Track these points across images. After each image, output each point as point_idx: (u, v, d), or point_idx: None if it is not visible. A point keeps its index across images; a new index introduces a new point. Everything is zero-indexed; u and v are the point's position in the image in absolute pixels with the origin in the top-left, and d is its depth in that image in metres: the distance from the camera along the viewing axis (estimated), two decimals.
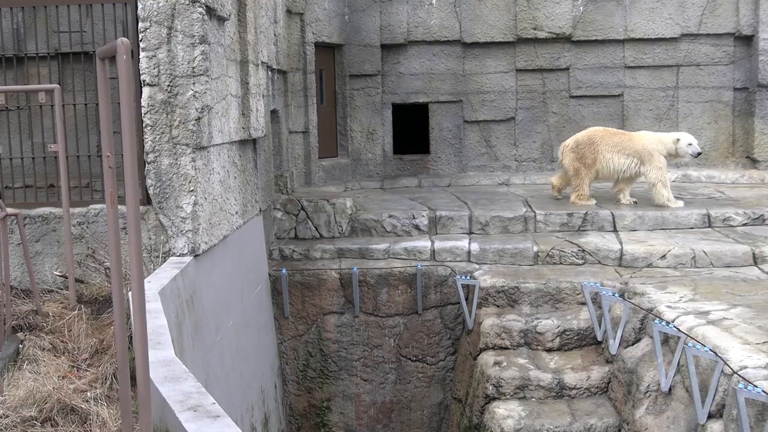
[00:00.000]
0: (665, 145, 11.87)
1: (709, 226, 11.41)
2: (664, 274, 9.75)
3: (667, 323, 7.82)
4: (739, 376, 6.46)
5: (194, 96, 7.17)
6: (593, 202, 12.08)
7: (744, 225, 11.35)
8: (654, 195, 11.89)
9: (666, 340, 7.91)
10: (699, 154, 11.94)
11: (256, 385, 8.92)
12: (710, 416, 6.93)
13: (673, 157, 12.00)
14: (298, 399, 10.31)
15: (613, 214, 11.42)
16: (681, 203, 11.85)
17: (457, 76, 15.12)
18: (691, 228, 11.35)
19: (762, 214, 11.46)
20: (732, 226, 11.37)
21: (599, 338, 9.14)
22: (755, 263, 10.07)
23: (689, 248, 10.25)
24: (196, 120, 7.19)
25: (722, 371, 6.78)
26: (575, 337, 9.24)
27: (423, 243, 10.82)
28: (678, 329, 7.66)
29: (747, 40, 14.85)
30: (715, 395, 6.86)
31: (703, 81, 15.00)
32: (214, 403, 4.13)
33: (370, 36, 14.79)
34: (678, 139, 11.83)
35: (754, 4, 14.59)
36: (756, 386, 6.20)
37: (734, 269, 9.89)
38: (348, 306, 10.26)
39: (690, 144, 11.76)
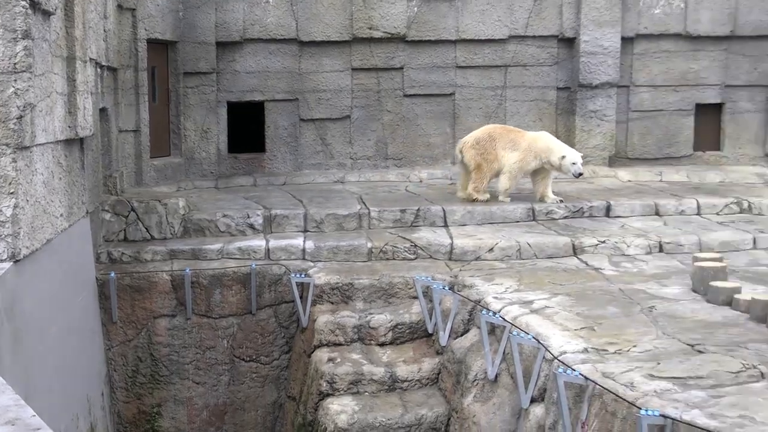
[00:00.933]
0: (550, 153, 12.06)
1: (533, 220, 11.88)
2: (492, 267, 10.08)
3: (494, 314, 8.08)
4: (559, 361, 6.75)
5: (15, 93, 6.79)
6: (487, 196, 12.29)
7: (565, 218, 11.90)
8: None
9: (493, 329, 8.17)
10: (580, 174, 12.09)
11: (81, 394, 8.56)
12: (533, 400, 7.22)
13: (555, 170, 12.24)
14: (126, 406, 9.97)
15: (444, 210, 11.70)
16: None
17: (294, 74, 15.07)
18: (517, 221, 11.79)
19: (581, 207, 12.05)
20: (554, 219, 11.89)
21: (430, 331, 9.33)
22: (575, 254, 10.57)
23: (515, 241, 10.64)
24: (17, 119, 6.81)
25: (544, 357, 7.08)
26: (407, 331, 9.39)
27: (257, 242, 10.72)
28: (504, 319, 7.93)
29: (569, 42, 15.55)
30: (537, 380, 7.15)
31: (529, 81, 15.61)
32: (34, 416, 3.93)
33: (205, 33, 14.50)
34: (564, 156, 11.97)
35: (576, 8, 15.30)
36: (574, 370, 6.49)
37: (556, 260, 10.35)
38: (180, 308, 10.02)
39: (574, 163, 11.95)
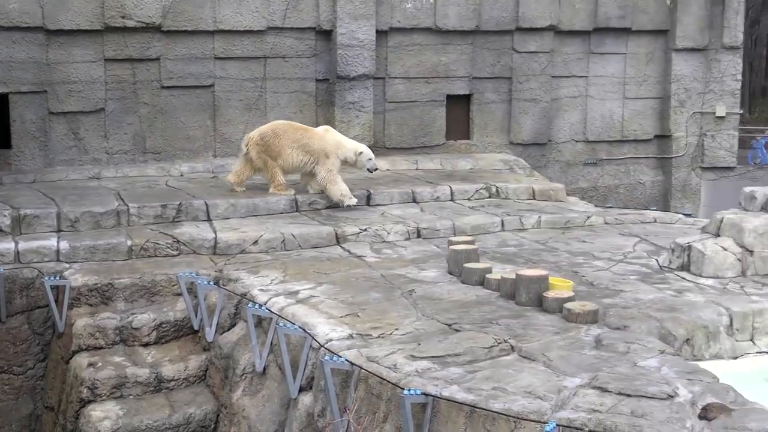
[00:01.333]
0: (346, 151, 12.09)
1: (297, 211, 11.98)
2: (257, 259, 10.06)
3: (260, 306, 8.07)
4: (326, 348, 6.87)
5: None
6: (292, 192, 12.14)
7: (328, 208, 12.09)
8: (328, 194, 12.06)
9: (260, 322, 8.17)
10: (376, 170, 12.39)
11: None
12: (301, 389, 7.29)
13: (350, 166, 12.31)
14: None
15: (206, 204, 11.52)
16: (355, 200, 12.14)
17: (41, 65, 14.18)
18: (281, 213, 11.84)
19: None
20: (318, 209, 12.06)
21: (196, 327, 9.18)
22: (338, 243, 10.79)
23: (279, 232, 10.69)
24: None
25: (311, 346, 7.17)
26: (172, 329, 9.18)
27: (5, 245, 10.02)
28: (270, 311, 7.95)
29: (327, 35, 15.79)
30: (305, 369, 7.23)
31: (289, 73, 15.69)
32: None
33: None
34: (360, 152, 12.10)
35: (333, 1, 15.54)
36: (340, 356, 6.63)
37: (320, 250, 10.51)
38: None
39: (370, 159, 12.14)
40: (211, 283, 9.16)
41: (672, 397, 5.43)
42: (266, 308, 8.01)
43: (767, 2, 39.48)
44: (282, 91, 15.68)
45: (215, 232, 10.66)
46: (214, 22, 15.00)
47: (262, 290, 8.59)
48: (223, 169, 14.29)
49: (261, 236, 10.57)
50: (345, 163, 12.23)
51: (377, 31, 15.86)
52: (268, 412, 7.58)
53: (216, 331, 8.83)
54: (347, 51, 15.59)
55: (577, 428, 5.08)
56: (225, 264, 9.86)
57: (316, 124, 15.03)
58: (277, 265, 9.69)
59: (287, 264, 9.71)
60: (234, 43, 15.26)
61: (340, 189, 11.98)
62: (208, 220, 11.38)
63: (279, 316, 7.79)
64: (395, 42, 16.25)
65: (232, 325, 8.78)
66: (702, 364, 6.62)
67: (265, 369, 7.85)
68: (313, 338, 7.17)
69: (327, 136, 12.35)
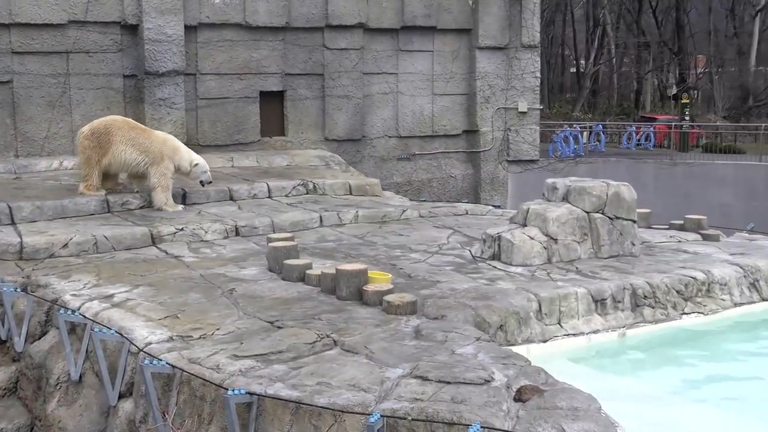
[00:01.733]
0: (181, 159, 11.80)
1: (109, 212, 11.58)
2: (68, 263, 9.63)
3: (73, 312, 7.75)
4: (145, 352, 6.68)
5: None
6: (103, 192, 11.64)
7: (141, 208, 11.77)
8: (153, 197, 11.70)
9: (73, 328, 7.84)
10: (210, 183, 12.23)
11: None
12: (121, 396, 7.07)
13: (183, 175, 12.01)
14: None
15: (9, 206, 10.91)
16: (180, 207, 11.85)
17: None
18: (92, 214, 11.40)
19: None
20: (131, 209, 11.70)
21: (3, 337, 8.66)
22: (154, 243, 10.52)
23: (91, 235, 10.28)
24: None
25: (129, 351, 6.96)
26: None
27: None
28: (84, 316, 7.65)
29: (133, 29, 15.32)
30: (124, 375, 7.01)
31: (94, 68, 15.10)
32: None
33: None
34: (197, 164, 11.88)
35: None
36: (160, 360, 6.47)
37: (135, 251, 10.20)
38: None
39: (205, 172, 11.96)
40: (18, 289, 8.68)
41: (488, 381, 5.69)
42: (80, 314, 7.70)
43: (560, 3, 41.95)
44: (87, 87, 15.07)
45: (21, 236, 10.09)
46: (9, 14, 14.21)
47: (74, 295, 8.24)
48: (26, 169, 13.59)
49: (71, 239, 10.12)
50: (178, 171, 11.97)
51: (186, 27, 15.58)
52: (87, 422, 7.30)
53: (26, 341, 8.38)
54: (155, 46, 15.20)
55: (400, 418, 5.23)
56: (33, 269, 9.37)
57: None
58: (90, 268, 9.32)
59: (101, 267, 9.36)
60: (33, 37, 14.52)
61: (167, 197, 11.78)
62: (12, 223, 10.77)
63: (94, 321, 7.50)
64: (205, 38, 16.01)
65: (44, 333, 8.36)
66: (515, 349, 6.99)
67: (81, 377, 7.54)
68: (131, 342, 6.96)
69: (167, 140, 12.10)
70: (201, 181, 12.12)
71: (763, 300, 9.19)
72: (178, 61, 15.45)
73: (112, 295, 8.18)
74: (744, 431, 6.11)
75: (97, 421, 7.27)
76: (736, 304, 8.97)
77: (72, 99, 14.95)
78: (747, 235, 11.77)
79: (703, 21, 45.68)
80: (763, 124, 27.86)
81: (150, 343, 6.84)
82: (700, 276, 8.89)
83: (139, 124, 12.62)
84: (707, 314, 8.71)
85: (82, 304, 7.94)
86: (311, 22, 16.86)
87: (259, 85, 16.67)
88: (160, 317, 7.47)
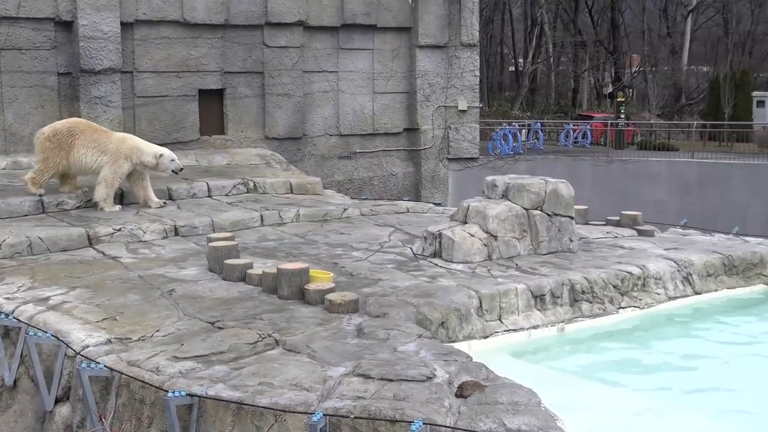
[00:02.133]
0: (143, 155, 11.65)
1: (43, 212, 11.36)
2: (1, 266, 9.40)
3: (7, 315, 7.57)
4: (82, 356, 6.56)
5: None
6: (42, 191, 11.47)
7: (77, 208, 11.56)
8: (95, 191, 11.57)
9: (7, 333, 7.66)
10: (182, 169, 12.08)
11: None
12: (58, 401, 6.93)
13: (152, 170, 11.86)
14: None
15: None
16: (117, 208, 11.65)
17: None
18: (26, 215, 11.18)
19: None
20: (66, 210, 11.49)
21: None
22: (90, 244, 10.33)
23: (25, 236, 10.05)
24: None
25: (66, 354, 6.82)
26: None
27: None
28: (18, 319, 7.48)
29: (68, 26, 15.03)
30: (60, 379, 6.88)
31: (27, 66, 14.78)
32: None
33: None
34: (161, 155, 11.74)
35: None
36: (98, 363, 6.36)
37: (71, 252, 10.00)
38: None
39: (173, 160, 11.83)
40: None
41: (430, 378, 5.73)
42: (13, 317, 7.53)
43: (499, 3, 42.34)
44: (20, 85, 14.74)
45: None
46: None
47: (8, 298, 8.05)
48: None
49: (4, 241, 9.88)
50: (146, 167, 11.84)
51: (122, 23, 15.34)
52: (22, 428, 7.14)
53: None
54: (91, 43, 14.93)
55: (343, 416, 5.23)
56: None
57: (61, 119, 14.26)
58: (24, 270, 9.11)
59: (35, 269, 9.16)
60: None
61: (108, 194, 11.62)
62: None
63: (28, 324, 7.34)
64: (142, 35, 15.79)
65: None
66: (456, 345, 7.05)
67: (15, 382, 7.37)
68: (68, 346, 6.83)
69: (125, 138, 12.02)
70: (172, 170, 12.04)
71: (696, 294, 9.41)
72: (115, 59, 15.21)
73: (47, 298, 8.01)
74: (675, 418, 6.25)
75: (33, 426, 7.12)
76: (670, 298, 9.17)
77: (4, 96, 14.61)
78: (680, 230, 12.04)
79: (638, 21, 46.63)
80: (695, 122, 28.57)
81: (87, 346, 6.73)
82: (636, 271, 9.06)
83: (101, 126, 12.50)
84: (643, 308, 8.89)
85: (16, 307, 7.76)
86: (251, 19, 16.74)
87: (198, 83, 16.50)
88: (97, 319, 7.34)
